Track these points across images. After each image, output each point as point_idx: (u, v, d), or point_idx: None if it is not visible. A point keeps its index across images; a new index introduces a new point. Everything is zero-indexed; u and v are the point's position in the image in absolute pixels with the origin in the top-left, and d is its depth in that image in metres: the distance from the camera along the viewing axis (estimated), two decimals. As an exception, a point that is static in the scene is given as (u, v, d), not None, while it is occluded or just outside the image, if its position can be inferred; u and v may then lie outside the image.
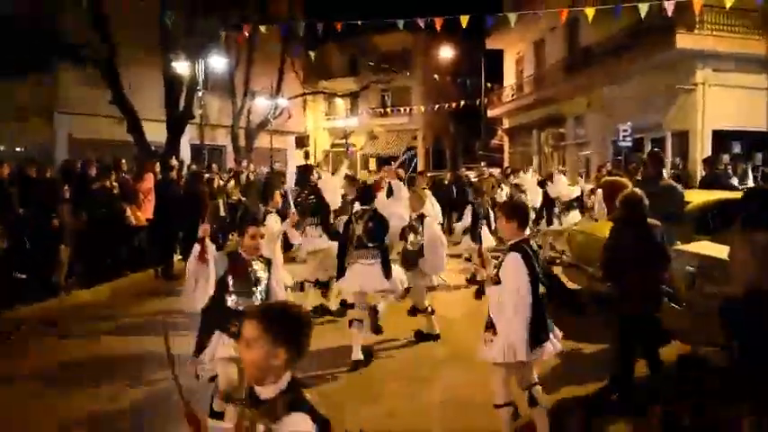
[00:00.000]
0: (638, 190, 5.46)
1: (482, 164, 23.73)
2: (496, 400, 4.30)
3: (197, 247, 4.33)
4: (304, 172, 11.62)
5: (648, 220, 5.28)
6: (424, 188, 11.03)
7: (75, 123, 19.98)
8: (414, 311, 7.48)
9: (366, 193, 7.20)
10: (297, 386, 2.11)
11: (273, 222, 6.93)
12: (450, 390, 5.76)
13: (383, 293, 6.97)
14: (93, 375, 6.17)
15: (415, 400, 5.52)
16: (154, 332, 7.67)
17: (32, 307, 8.26)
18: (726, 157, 15.96)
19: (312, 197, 8.53)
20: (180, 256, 11.65)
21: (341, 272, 6.78)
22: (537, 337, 4.10)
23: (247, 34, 16.06)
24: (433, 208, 9.40)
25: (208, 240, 4.41)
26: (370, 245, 6.60)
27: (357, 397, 5.58)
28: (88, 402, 5.51)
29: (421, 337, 7.26)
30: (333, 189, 8.54)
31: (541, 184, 13.17)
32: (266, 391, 2.09)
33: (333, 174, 9.82)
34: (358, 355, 6.33)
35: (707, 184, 10.58)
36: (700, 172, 11.91)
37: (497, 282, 4.14)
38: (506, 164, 29.88)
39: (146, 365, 6.33)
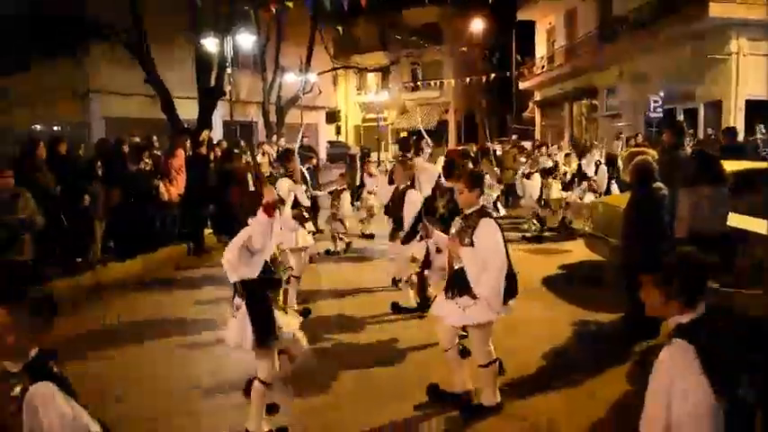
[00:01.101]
0: (646, 158, 5.96)
1: (513, 137, 23.63)
2: (483, 360, 4.56)
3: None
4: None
5: (655, 184, 5.69)
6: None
7: (108, 103, 20.49)
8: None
9: (449, 169, 7.47)
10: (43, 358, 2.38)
11: (284, 185, 7.01)
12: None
13: None
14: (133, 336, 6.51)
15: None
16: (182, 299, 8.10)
17: (69, 280, 8.63)
18: (761, 127, 15.70)
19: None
20: (210, 230, 11.98)
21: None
22: (510, 294, 4.48)
23: (275, 10, 16.16)
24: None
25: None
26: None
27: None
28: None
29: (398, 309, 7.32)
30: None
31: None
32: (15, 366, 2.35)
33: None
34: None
35: (727, 154, 10.44)
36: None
37: (471, 244, 4.40)
38: (538, 136, 29.67)
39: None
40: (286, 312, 4.51)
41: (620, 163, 13.38)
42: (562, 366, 5.59)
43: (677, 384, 2.27)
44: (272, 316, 4.16)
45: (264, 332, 4.11)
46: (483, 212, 4.56)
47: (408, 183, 7.13)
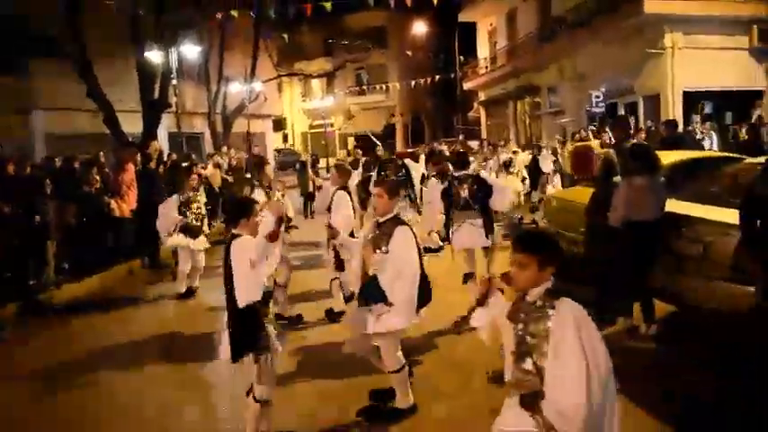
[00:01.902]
0: (610, 152, 6.30)
1: (460, 136, 23.95)
2: (394, 366, 4.55)
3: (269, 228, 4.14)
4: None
5: (615, 178, 5.99)
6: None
7: (51, 119, 19.90)
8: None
9: (461, 160, 7.88)
10: None
11: (259, 196, 7.10)
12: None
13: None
14: (92, 362, 6.35)
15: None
16: (146, 316, 7.97)
17: (22, 302, 8.39)
18: (695, 118, 16.35)
19: None
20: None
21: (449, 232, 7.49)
22: (423, 301, 4.56)
23: (219, 20, 16.03)
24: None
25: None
26: (476, 206, 7.23)
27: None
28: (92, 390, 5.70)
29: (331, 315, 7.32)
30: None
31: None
32: None
33: None
34: None
35: (669, 144, 10.87)
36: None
37: (386, 252, 4.40)
38: (484, 135, 30.13)
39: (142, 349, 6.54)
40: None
41: (559, 158, 13.83)
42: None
43: (583, 331, 2.58)
44: (263, 329, 4.08)
45: (252, 346, 4.04)
46: (398, 220, 4.58)
47: (339, 186, 7.25)
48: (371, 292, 4.42)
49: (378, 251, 4.42)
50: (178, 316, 8.10)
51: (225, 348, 4.10)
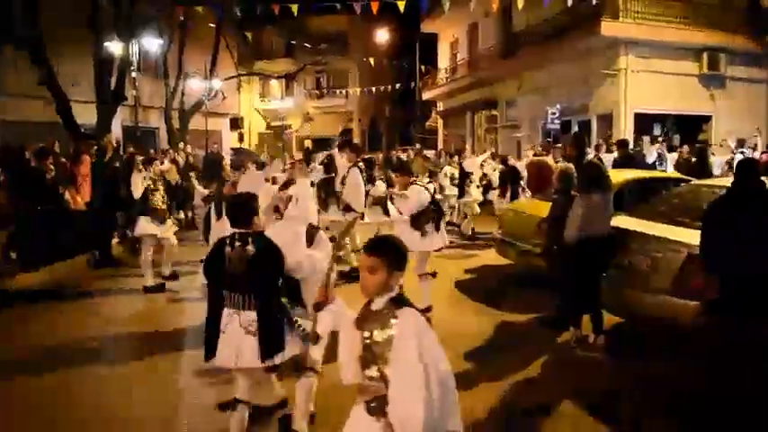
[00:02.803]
0: (570, 166, 6.58)
1: (417, 145, 24.15)
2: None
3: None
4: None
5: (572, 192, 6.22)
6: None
7: (3, 105, 19.33)
8: None
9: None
10: None
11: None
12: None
13: None
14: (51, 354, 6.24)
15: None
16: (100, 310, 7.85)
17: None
18: (646, 139, 16.93)
19: None
20: (117, 240, 11.64)
21: None
22: None
23: (182, 17, 15.87)
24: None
25: None
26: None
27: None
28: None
29: None
30: None
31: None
32: None
33: None
34: None
35: (620, 164, 11.28)
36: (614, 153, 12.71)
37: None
38: (440, 146, 30.46)
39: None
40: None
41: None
42: (488, 370, 5.85)
43: (424, 339, 2.65)
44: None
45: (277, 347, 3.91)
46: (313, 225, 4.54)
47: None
48: None
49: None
50: (132, 315, 7.99)
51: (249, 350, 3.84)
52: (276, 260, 3.92)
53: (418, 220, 7.09)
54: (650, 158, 13.85)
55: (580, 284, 6.02)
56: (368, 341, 2.76)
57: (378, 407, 2.69)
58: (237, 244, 3.93)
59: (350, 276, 8.32)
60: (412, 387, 2.55)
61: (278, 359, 3.89)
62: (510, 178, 12.88)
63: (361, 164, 9.78)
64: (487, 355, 6.17)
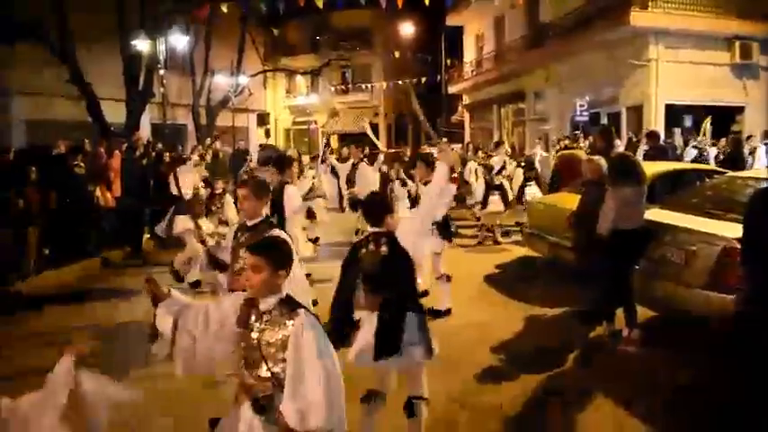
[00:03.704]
0: (601, 159, 6.45)
1: (443, 140, 24.02)
2: None
3: None
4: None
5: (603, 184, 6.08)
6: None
7: (30, 104, 19.65)
8: None
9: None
10: None
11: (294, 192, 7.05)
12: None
13: None
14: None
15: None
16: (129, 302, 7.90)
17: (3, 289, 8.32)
18: (677, 130, 16.63)
19: None
20: (148, 236, 11.75)
21: None
22: None
23: (207, 12, 15.97)
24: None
25: None
26: None
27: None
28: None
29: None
30: None
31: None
32: None
33: None
34: None
35: (650, 156, 11.06)
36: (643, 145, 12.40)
37: None
38: (468, 140, 30.26)
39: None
40: None
41: (537, 165, 13.90)
42: (520, 364, 5.76)
43: (320, 341, 2.72)
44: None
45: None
46: (271, 223, 4.40)
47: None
48: None
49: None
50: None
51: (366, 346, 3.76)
52: (407, 261, 3.86)
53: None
54: (688, 157, 13.38)
55: (613, 278, 5.91)
56: (256, 341, 2.79)
57: (264, 406, 2.74)
58: (371, 245, 3.90)
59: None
60: (312, 381, 2.61)
61: (392, 362, 3.75)
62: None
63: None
64: (518, 349, 6.10)
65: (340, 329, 3.78)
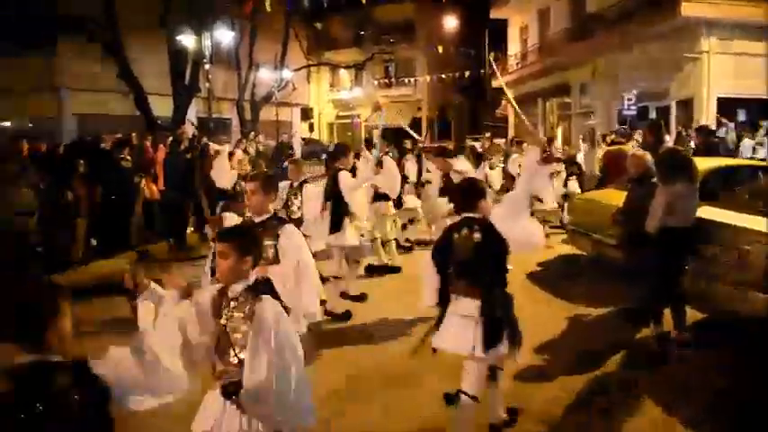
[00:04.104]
0: (647, 154, 6.26)
1: (487, 134, 23.78)
2: None
3: None
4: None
5: (653, 180, 5.89)
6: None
7: (80, 99, 20.16)
8: None
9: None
10: None
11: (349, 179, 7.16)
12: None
13: None
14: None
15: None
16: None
17: (52, 277, 8.50)
18: (731, 125, 16.06)
19: None
20: (191, 228, 11.91)
21: None
22: None
23: (251, 6, 16.13)
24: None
25: None
26: None
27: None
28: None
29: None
30: None
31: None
32: None
33: None
34: None
35: (701, 152, 10.71)
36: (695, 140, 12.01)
37: (275, 257, 4.12)
38: (511, 134, 29.91)
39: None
40: None
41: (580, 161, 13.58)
42: (564, 364, 5.65)
43: (281, 328, 2.76)
44: None
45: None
46: (280, 219, 4.37)
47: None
48: None
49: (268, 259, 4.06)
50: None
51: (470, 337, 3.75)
52: (501, 247, 3.84)
53: None
54: (746, 153, 12.88)
55: (661, 278, 5.70)
56: (227, 329, 2.84)
57: (233, 391, 2.79)
58: (464, 230, 3.89)
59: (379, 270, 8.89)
60: (263, 368, 2.64)
61: (492, 353, 3.75)
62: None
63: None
64: (561, 348, 5.97)
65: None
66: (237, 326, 2.81)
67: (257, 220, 4.29)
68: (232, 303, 2.86)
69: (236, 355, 2.80)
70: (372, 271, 8.99)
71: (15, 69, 20.13)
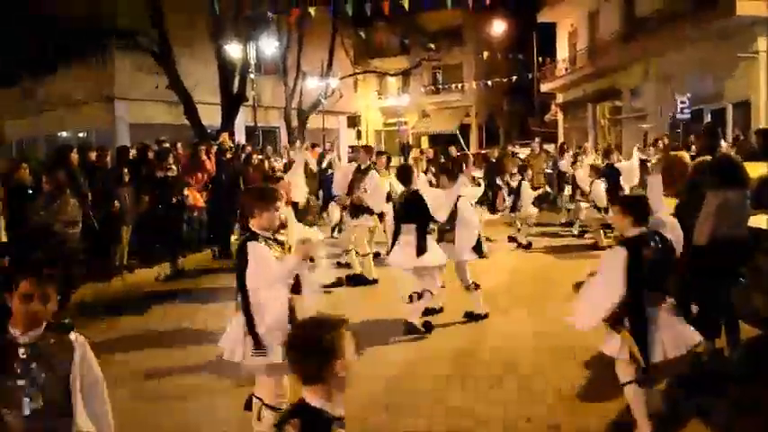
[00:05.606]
0: (699, 160, 6.03)
1: (536, 140, 23.45)
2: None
3: None
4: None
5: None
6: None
7: (133, 108, 20.69)
8: None
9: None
10: None
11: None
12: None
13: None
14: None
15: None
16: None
17: (96, 286, 8.68)
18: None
19: None
20: (236, 237, 11.99)
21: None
22: None
23: (297, 14, 16.30)
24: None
25: None
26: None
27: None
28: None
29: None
30: None
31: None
32: None
33: None
34: None
35: (757, 157, 10.21)
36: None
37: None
38: (561, 139, 29.40)
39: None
40: None
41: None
42: (611, 381, 5.40)
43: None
44: None
45: None
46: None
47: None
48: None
49: None
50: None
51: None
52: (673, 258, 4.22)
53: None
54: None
55: (713, 291, 5.40)
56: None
57: None
58: (652, 243, 4.09)
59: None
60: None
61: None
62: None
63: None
64: (609, 364, 5.72)
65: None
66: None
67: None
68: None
69: None
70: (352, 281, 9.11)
71: (73, 81, 20.88)
